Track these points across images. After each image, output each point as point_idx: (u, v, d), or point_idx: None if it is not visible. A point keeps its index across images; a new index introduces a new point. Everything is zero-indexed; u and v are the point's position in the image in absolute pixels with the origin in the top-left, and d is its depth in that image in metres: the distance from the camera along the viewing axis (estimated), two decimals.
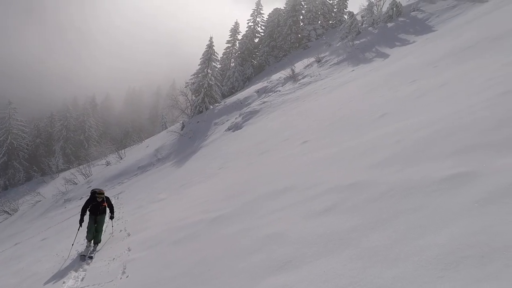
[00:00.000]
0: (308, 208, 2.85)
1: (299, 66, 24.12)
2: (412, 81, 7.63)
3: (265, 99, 20.07)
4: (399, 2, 21.09)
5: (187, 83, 30.87)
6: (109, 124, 58.42)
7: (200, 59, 30.48)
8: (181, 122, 27.62)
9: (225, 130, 19.08)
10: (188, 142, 22.53)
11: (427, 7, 19.40)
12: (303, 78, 20.66)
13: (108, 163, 26.12)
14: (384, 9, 22.77)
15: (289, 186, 3.80)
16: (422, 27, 17.50)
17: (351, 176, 3.11)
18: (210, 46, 29.86)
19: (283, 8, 39.35)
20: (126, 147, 30.91)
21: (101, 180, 20.56)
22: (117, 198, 12.55)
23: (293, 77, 21.70)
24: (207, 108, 27.99)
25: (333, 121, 7.70)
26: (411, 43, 16.30)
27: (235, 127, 17.90)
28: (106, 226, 6.25)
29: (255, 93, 24.47)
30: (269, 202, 3.51)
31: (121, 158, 25.64)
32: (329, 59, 21.31)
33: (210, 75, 29.92)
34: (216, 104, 28.09)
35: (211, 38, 29.74)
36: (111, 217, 6.20)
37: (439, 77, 6.46)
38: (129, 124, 56.98)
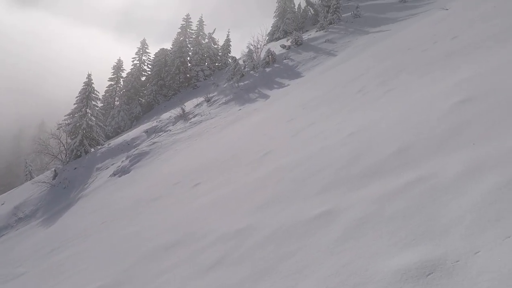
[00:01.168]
0: (197, 264, 2.71)
1: (189, 105, 24.33)
2: (289, 120, 8.67)
3: (155, 140, 19.19)
4: (273, 51, 24.36)
5: (60, 124, 26.82)
6: None
7: (77, 97, 27.22)
8: (53, 169, 23.34)
9: (110, 176, 17.08)
10: (63, 193, 19.10)
11: (295, 56, 23.05)
12: (194, 117, 20.85)
13: None
14: (262, 56, 25.82)
15: (179, 239, 3.57)
16: (293, 73, 20.54)
17: (238, 221, 3.15)
18: (89, 83, 27.16)
19: (169, 48, 39.81)
20: None
21: None
22: None
23: (184, 116, 21.66)
24: (87, 152, 24.71)
25: (223, 160, 7.89)
26: (286, 86, 18.82)
27: (122, 172, 16.25)
28: None
29: (144, 133, 23.15)
30: (156, 263, 3.19)
31: None
32: (218, 98, 22.34)
33: (89, 114, 26.90)
34: (99, 147, 25.16)
35: (89, 75, 27.14)
36: None
37: (308, 118, 7.55)
38: None
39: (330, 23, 28.05)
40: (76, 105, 26.83)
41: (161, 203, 6.53)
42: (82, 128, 25.33)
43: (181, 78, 37.26)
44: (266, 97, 18.34)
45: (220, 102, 21.47)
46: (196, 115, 21.23)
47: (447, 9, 14.35)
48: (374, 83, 7.40)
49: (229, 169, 6.42)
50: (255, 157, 6.37)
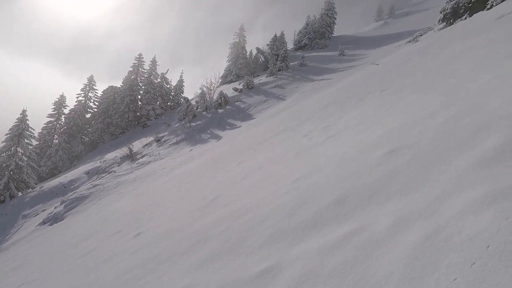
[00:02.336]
0: None
1: (137, 144, 23.33)
2: (239, 163, 8.68)
3: (97, 182, 17.71)
4: (226, 93, 25.08)
5: None
6: None
7: (7, 134, 24.59)
8: None
9: (39, 224, 15.06)
10: None
11: (247, 99, 23.93)
12: (141, 157, 19.91)
13: None
14: (215, 97, 26.37)
15: None
16: (244, 115, 21.13)
17: (178, 281, 2.90)
18: (23, 120, 24.88)
19: (119, 86, 38.81)
20: None
21: None
22: None
23: (131, 156, 20.58)
24: (12, 196, 21.81)
25: (170, 205, 7.47)
26: (237, 127, 19.19)
27: (54, 219, 14.46)
28: None
29: (84, 175, 21.33)
30: None
31: None
32: (169, 138, 21.82)
33: (20, 154, 24.25)
34: (29, 190, 22.45)
35: (24, 111, 24.96)
36: None
37: (257, 160, 7.64)
38: None
39: (279, 70, 30.15)
40: (4, 143, 24.11)
41: (95, 258, 5.81)
42: (9, 169, 22.58)
43: (130, 116, 36.02)
44: (218, 137, 18.40)
45: (171, 142, 20.97)
46: (144, 155, 20.31)
47: (377, 64, 16.42)
48: (318, 128, 7.87)
49: (175, 216, 6.07)
50: (203, 203, 6.14)
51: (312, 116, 10.33)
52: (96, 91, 39.16)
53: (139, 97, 37.91)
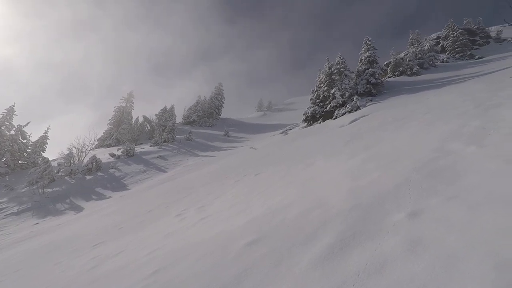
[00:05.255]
0: None
1: None
2: (95, 245, 7.31)
3: None
4: (99, 158, 22.47)
5: None
6: None
7: None
8: None
9: None
10: None
11: (124, 167, 21.95)
12: None
13: None
14: (85, 161, 23.17)
15: None
16: (118, 184, 19.01)
17: None
18: None
19: None
20: None
21: None
22: None
23: None
24: None
25: None
26: (107, 198, 16.85)
27: None
28: None
29: None
30: None
31: None
32: (7, 207, 17.07)
33: None
34: None
35: None
36: None
37: (119, 243, 6.61)
38: None
39: (165, 141, 29.71)
40: None
41: None
42: None
43: None
44: (78, 209, 15.54)
45: (9, 212, 16.36)
46: None
47: (255, 149, 18.27)
48: (193, 208, 7.66)
49: None
50: None
51: (190, 193, 10.13)
52: None
53: None
